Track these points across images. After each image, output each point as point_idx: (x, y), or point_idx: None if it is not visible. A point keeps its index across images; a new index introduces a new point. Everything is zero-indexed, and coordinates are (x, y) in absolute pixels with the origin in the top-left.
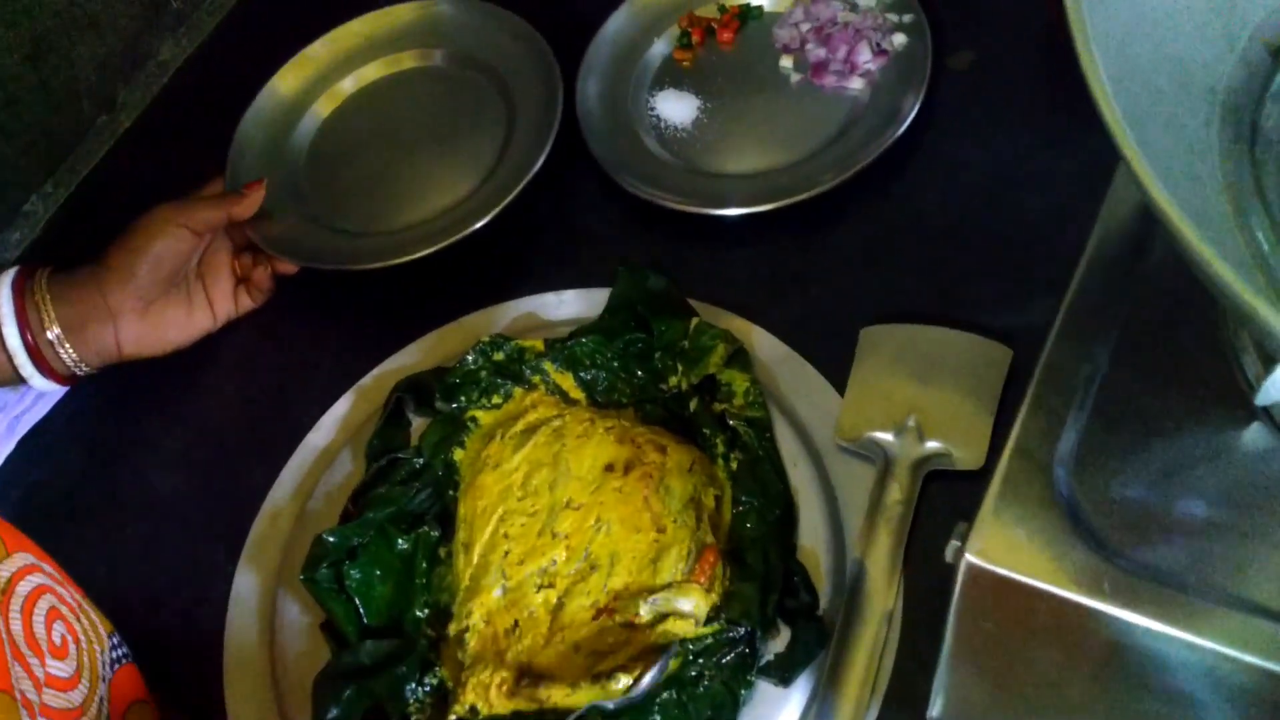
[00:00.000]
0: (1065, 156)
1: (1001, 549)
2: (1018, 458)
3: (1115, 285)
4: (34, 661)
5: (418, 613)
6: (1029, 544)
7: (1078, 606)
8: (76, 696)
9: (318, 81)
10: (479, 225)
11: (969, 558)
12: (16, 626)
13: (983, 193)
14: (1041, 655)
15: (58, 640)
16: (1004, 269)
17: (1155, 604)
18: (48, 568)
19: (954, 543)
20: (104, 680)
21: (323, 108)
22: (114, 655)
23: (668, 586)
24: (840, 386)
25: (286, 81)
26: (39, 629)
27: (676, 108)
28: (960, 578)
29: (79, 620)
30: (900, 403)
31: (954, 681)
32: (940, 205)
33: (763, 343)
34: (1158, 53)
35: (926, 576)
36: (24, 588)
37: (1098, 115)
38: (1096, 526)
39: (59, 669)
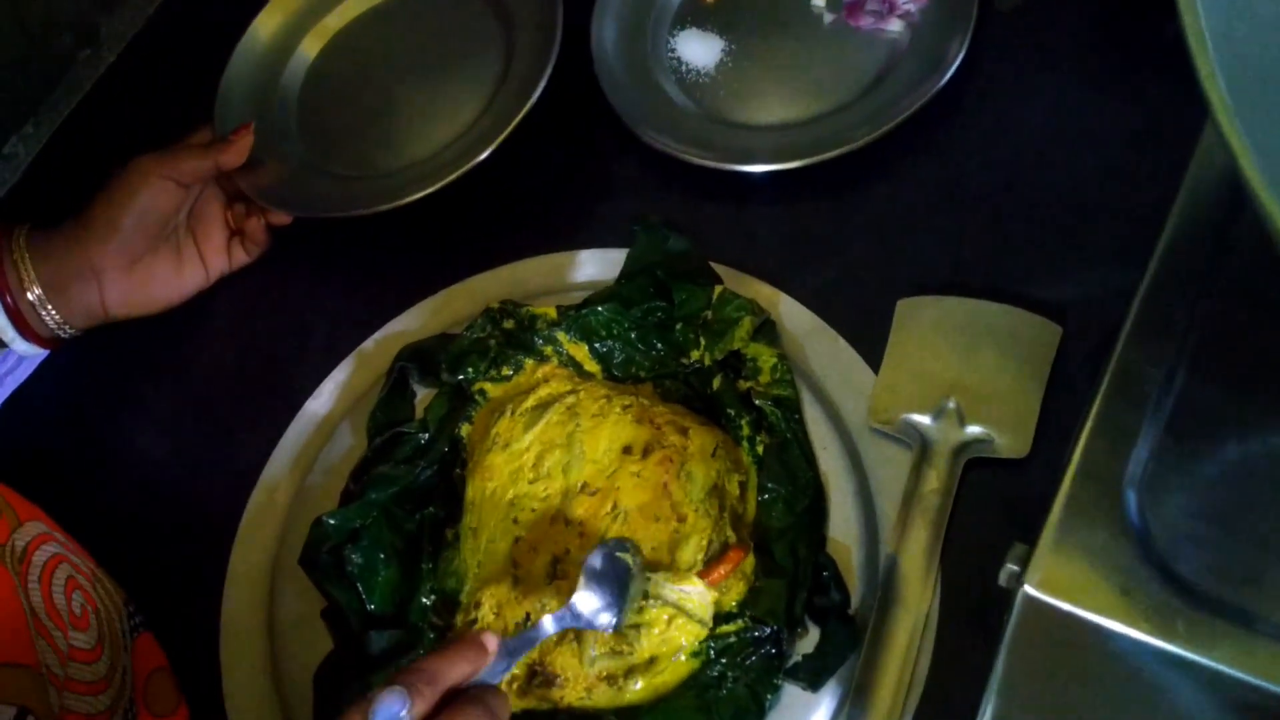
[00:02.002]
0: (1124, 111)
1: (1064, 581)
2: (1083, 479)
3: (1194, 281)
4: (57, 634)
5: (423, 600)
6: (1095, 576)
7: (1148, 647)
8: (101, 668)
9: (300, 22)
10: (483, 156)
11: (1028, 589)
12: (37, 598)
13: (1033, 150)
14: (1102, 693)
15: (78, 610)
16: (1055, 236)
17: (1235, 648)
18: (60, 537)
19: (1010, 567)
20: (125, 650)
21: (309, 48)
22: (132, 623)
23: (667, 569)
24: (875, 363)
25: (267, 25)
26: (59, 599)
27: (699, 49)
28: (1017, 608)
29: (95, 590)
30: (939, 382)
31: (1001, 713)
32: (986, 164)
33: (791, 312)
34: (1267, 36)
35: (966, 574)
36: (40, 556)
37: (1204, 101)
38: (1170, 558)
39: (81, 640)
